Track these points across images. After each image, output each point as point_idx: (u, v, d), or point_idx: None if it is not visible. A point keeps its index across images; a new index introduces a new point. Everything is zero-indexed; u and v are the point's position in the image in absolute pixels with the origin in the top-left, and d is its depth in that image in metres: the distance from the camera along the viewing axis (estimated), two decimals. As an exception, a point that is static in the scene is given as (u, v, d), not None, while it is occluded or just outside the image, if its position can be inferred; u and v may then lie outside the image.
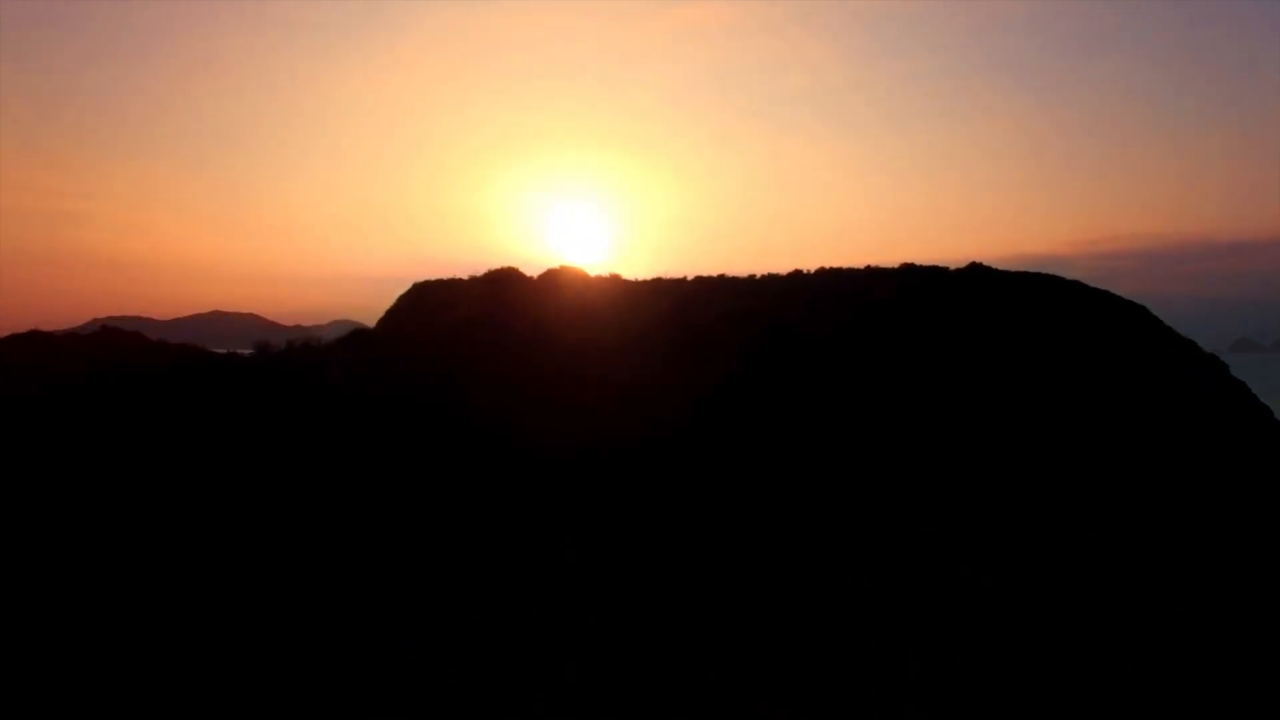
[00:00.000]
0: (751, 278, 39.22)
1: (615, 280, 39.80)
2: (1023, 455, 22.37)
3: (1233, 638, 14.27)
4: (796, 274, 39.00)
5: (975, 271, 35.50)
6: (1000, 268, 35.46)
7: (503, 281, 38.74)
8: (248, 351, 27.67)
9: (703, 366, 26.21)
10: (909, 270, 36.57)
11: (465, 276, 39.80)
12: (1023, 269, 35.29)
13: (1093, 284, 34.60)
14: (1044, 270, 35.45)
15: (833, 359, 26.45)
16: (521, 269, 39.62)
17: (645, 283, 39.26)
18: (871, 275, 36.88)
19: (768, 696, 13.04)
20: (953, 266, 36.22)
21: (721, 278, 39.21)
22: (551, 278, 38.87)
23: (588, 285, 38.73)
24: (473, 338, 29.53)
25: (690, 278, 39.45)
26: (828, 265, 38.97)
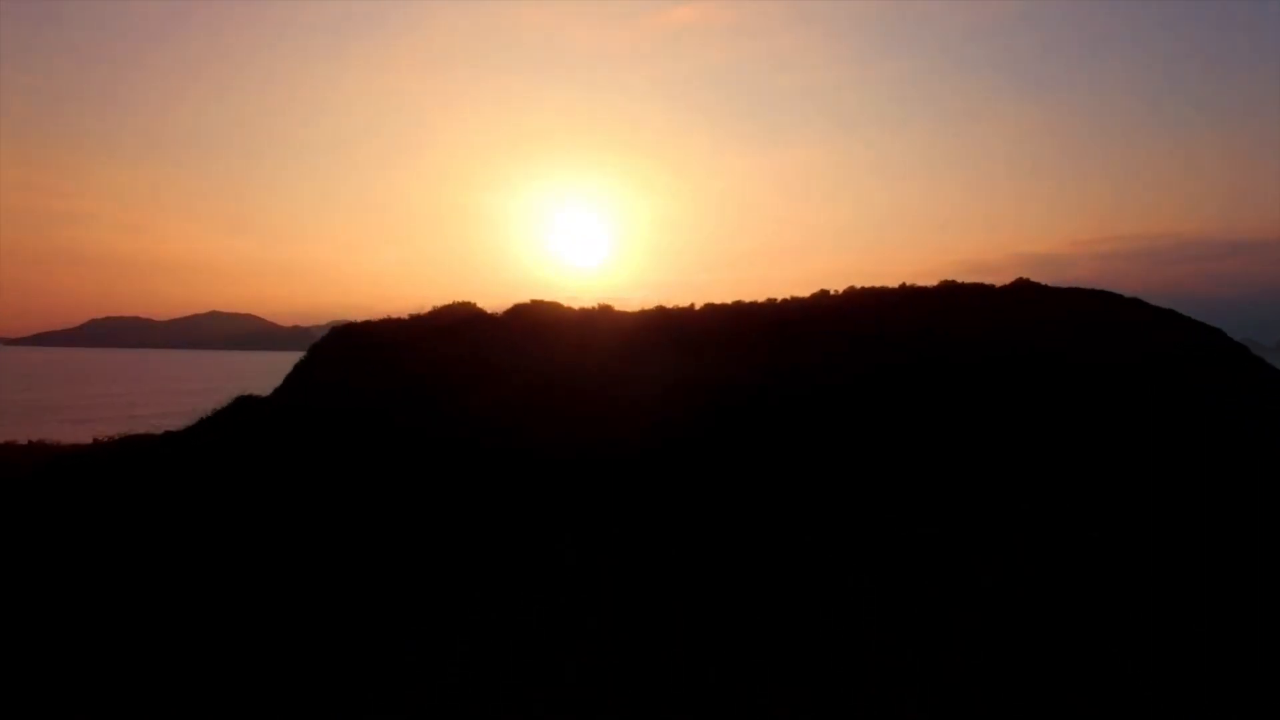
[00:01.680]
0: (771, 302, 34.28)
1: (605, 313, 32.09)
2: (1023, 455, 22.39)
3: (1233, 638, 14.27)
4: (823, 295, 34.29)
5: (1020, 286, 34.68)
6: (1049, 284, 34.84)
7: (452, 323, 30.08)
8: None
9: (706, 384, 26.24)
10: (949, 289, 33.54)
11: (407, 315, 31.80)
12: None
13: (1091, 284, 34.68)
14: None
15: (852, 385, 26.39)
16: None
17: (644, 314, 32.07)
18: (907, 295, 33.40)
19: (768, 696, 13.03)
20: (998, 283, 34.74)
21: (737, 304, 33.87)
22: (518, 317, 30.72)
23: (564, 328, 30.20)
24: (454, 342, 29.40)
25: (699, 306, 33.52)
26: (857, 285, 34.64)
